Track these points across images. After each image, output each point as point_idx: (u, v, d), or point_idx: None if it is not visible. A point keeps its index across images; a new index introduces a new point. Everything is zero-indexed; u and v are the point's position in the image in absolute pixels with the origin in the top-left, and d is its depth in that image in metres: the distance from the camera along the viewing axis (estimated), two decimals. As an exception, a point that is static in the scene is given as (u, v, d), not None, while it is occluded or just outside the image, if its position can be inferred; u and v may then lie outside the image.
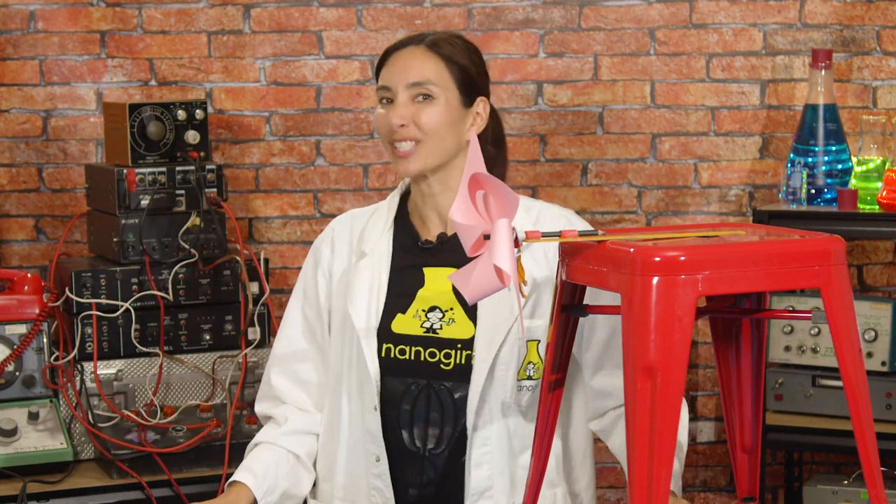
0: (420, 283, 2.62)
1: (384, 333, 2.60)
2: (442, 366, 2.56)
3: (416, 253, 2.65)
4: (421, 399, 2.57)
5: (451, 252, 2.59)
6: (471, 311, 2.57)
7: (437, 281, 2.61)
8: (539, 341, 2.56)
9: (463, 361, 2.55)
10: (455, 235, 2.58)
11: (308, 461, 2.69)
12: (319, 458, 2.70)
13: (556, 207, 2.68)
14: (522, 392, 2.55)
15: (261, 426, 2.77)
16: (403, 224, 2.69)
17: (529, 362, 2.56)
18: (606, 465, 4.08)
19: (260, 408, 2.77)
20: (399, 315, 2.60)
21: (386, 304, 2.62)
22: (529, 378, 2.56)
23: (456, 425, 2.56)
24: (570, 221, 2.64)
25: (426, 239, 2.65)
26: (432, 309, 2.60)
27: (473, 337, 2.56)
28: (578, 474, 2.67)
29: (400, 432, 2.58)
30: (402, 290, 2.62)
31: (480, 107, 2.66)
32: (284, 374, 2.73)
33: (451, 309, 2.59)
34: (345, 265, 2.68)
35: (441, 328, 2.58)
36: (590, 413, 2.65)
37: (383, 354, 2.58)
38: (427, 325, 2.59)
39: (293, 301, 2.75)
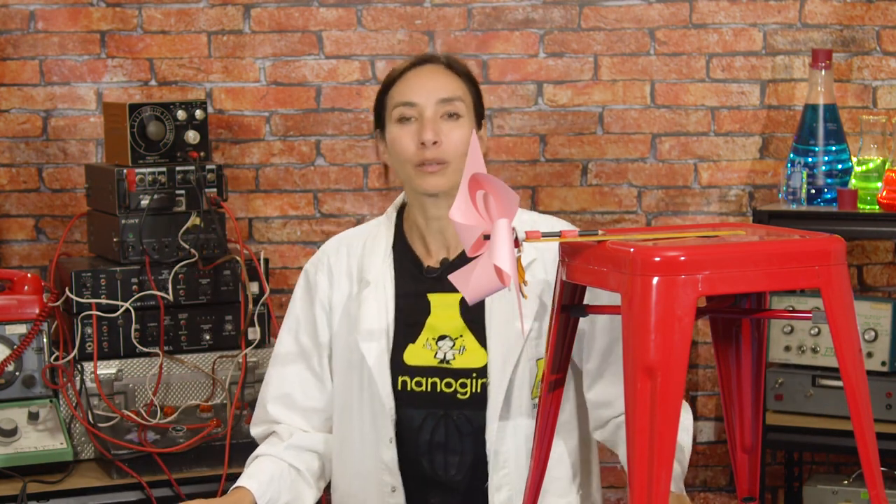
0: (426, 310, 2.58)
1: (398, 366, 2.56)
2: (458, 395, 2.54)
3: (420, 280, 2.60)
4: (440, 428, 2.55)
5: None
6: (480, 337, 2.55)
7: (444, 308, 2.57)
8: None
9: (479, 390, 2.53)
10: (458, 259, 2.56)
11: (309, 477, 2.65)
12: (334, 486, 2.67)
13: (550, 218, 2.66)
14: (535, 410, 2.50)
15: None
16: (403, 248, 2.64)
17: (541, 380, 2.53)
18: (606, 464, 4.08)
19: (257, 431, 2.72)
20: (410, 346, 2.57)
21: (395, 334, 2.58)
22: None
23: (475, 451, 2.54)
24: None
25: (429, 265, 2.61)
26: (442, 338, 2.56)
27: (487, 364, 2.53)
28: (593, 478, 2.66)
29: (419, 461, 2.56)
30: (409, 319, 2.58)
31: (483, 131, 2.64)
32: (281, 402, 2.68)
33: (461, 336, 2.56)
34: (346, 294, 2.63)
35: (454, 358, 2.55)
36: (592, 423, 2.62)
37: (399, 388, 2.55)
38: (440, 355, 2.55)
39: (286, 328, 2.69)
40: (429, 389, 2.54)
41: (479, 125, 2.62)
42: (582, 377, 2.60)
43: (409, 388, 2.55)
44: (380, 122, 2.64)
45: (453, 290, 2.50)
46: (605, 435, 2.60)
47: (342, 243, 2.68)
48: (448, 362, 2.54)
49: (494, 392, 2.51)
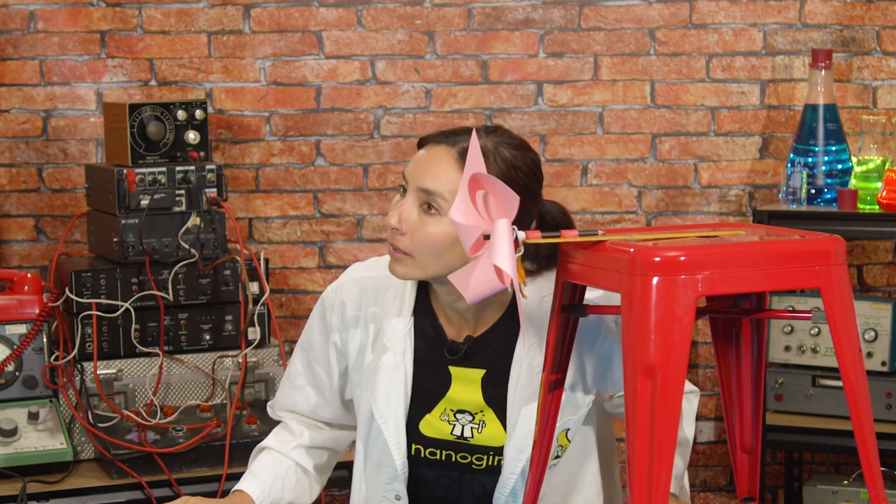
0: (447, 383, 2.48)
1: (413, 434, 2.48)
2: (473, 466, 2.48)
3: (442, 352, 2.49)
4: (452, 486, 2.50)
5: (479, 354, 2.47)
6: (501, 415, 2.45)
7: (465, 382, 2.48)
8: (569, 429, 2.46)
9: (495, 464, 2.46)
10: (483, 336, 2.46)
11: (315, 473, 2.64)
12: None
13: None
14: (550, 470, 2.43)
15: (265, 427, 2.72)
16: (426, 311, 2.50)
17: (559, 446, 2.47)
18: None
19: (271, 412, 2.70)
20: (426, 416, 2.48)
21: (412, 401, 2.48)
22: (557, 457, 2.47)
23: None
24: None
25: (452, 340, 2.48)
26: (461, 411, 2.48)
27: (505, 445, 2.44)
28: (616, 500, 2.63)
29: None
30: (427, 388, 2.48)
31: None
32: (293, 417, 2.66)
33: (481, 412, 2.47)
34: (359, 343, 2.53)
35: (472, 435, 2.46)
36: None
37: (412, 453, 2.49)
38: (457, 430, 2.47)
39: (301, 347, 2.63)
40: (443, 459, 2.48)
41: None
42: (603, 401, 2.56)
43: (422, 455, 2.49)
44: None
45: (476, 365, 2.46)
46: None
47: (359, 290, 2.54)
48: (465, 439, 2.47)
49: (509, 470, 2.44)
